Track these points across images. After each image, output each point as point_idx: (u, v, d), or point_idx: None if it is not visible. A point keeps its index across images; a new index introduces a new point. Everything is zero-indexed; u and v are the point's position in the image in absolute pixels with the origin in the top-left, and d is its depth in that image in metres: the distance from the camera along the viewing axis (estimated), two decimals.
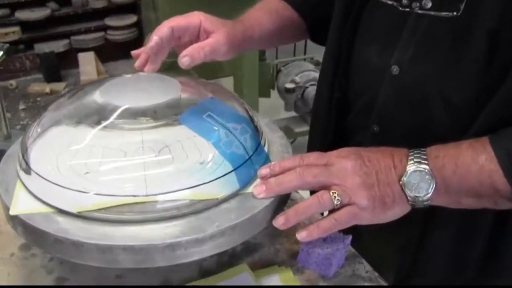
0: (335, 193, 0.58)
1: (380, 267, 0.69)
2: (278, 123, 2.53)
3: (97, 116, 0.63)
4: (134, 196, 0.57)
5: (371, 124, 0.73)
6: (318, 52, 2.32)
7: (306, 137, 0.94)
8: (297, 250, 0.66)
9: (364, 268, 0.68)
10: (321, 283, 0.65)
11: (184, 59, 0.68)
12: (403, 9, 0.66)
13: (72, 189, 0.57)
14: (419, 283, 0.74)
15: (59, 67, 2.49)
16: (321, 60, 0.84)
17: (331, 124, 0.81)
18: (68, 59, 2.61)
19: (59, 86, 2.51)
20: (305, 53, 2.73)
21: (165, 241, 0.54)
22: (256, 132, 0.67)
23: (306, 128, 2.41)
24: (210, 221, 0.57)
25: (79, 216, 0.56)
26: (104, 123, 0.61)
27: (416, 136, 0.67)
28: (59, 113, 0.66)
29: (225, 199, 0.60)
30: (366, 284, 0.65)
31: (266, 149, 0.67)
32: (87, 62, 2.33)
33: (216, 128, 0.62)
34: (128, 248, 0.54)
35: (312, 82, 2.31)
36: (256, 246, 0.70)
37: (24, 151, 0.63)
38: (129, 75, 0.72)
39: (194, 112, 0.63)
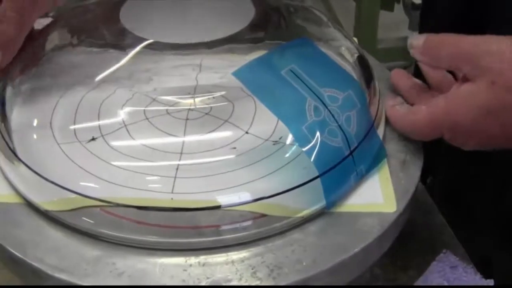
0: None
1: None
2: (398, 42, 2.16)
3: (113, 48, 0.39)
4: (154, 192, 0.33)
5: None
6: None
7: None
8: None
9: None
10: None
11: None
12: None
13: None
14: None
15: None
16: None
17: None
18: None
19: None
20: None
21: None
22: (370, 104, 0.39)
23: None
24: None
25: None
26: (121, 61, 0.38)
27: None
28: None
29: (302, 221, 0.35)
30: None
31: (381, 133, 0.40)
32: None
33: (301, 96, 0.36)
34: None
35: None
36: None
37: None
38: None
39: (263, 63, 0.37)
